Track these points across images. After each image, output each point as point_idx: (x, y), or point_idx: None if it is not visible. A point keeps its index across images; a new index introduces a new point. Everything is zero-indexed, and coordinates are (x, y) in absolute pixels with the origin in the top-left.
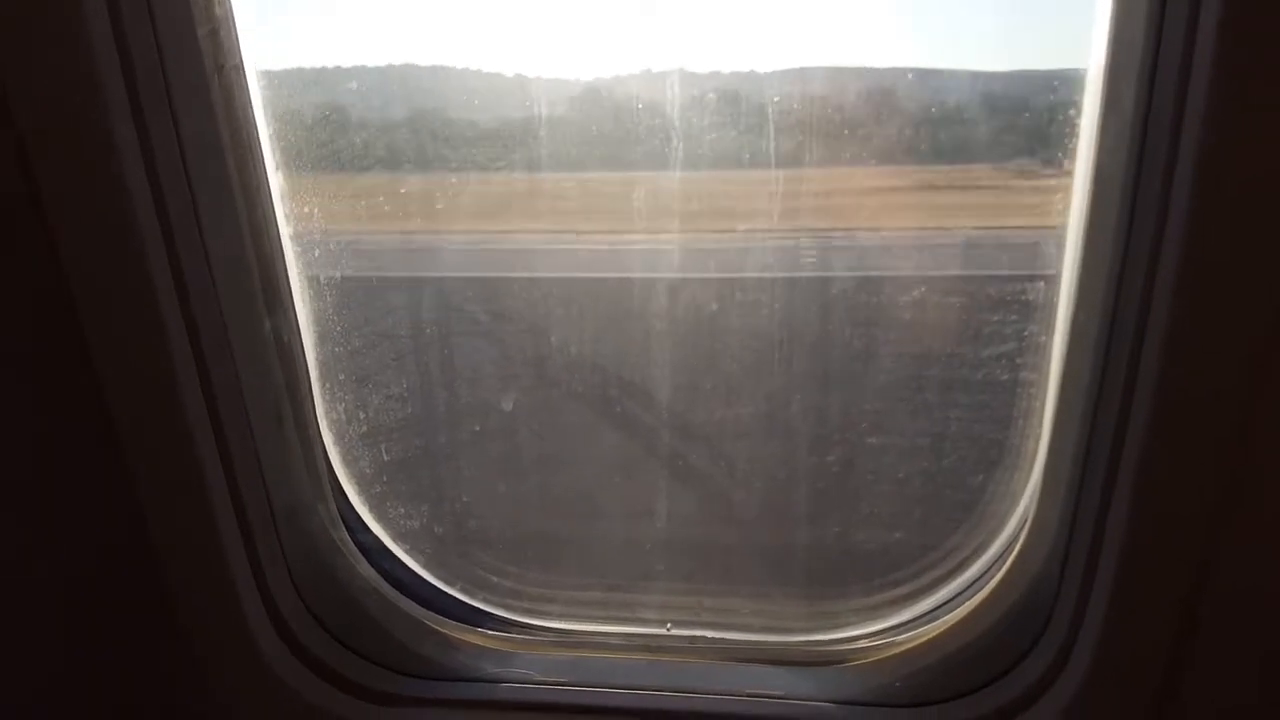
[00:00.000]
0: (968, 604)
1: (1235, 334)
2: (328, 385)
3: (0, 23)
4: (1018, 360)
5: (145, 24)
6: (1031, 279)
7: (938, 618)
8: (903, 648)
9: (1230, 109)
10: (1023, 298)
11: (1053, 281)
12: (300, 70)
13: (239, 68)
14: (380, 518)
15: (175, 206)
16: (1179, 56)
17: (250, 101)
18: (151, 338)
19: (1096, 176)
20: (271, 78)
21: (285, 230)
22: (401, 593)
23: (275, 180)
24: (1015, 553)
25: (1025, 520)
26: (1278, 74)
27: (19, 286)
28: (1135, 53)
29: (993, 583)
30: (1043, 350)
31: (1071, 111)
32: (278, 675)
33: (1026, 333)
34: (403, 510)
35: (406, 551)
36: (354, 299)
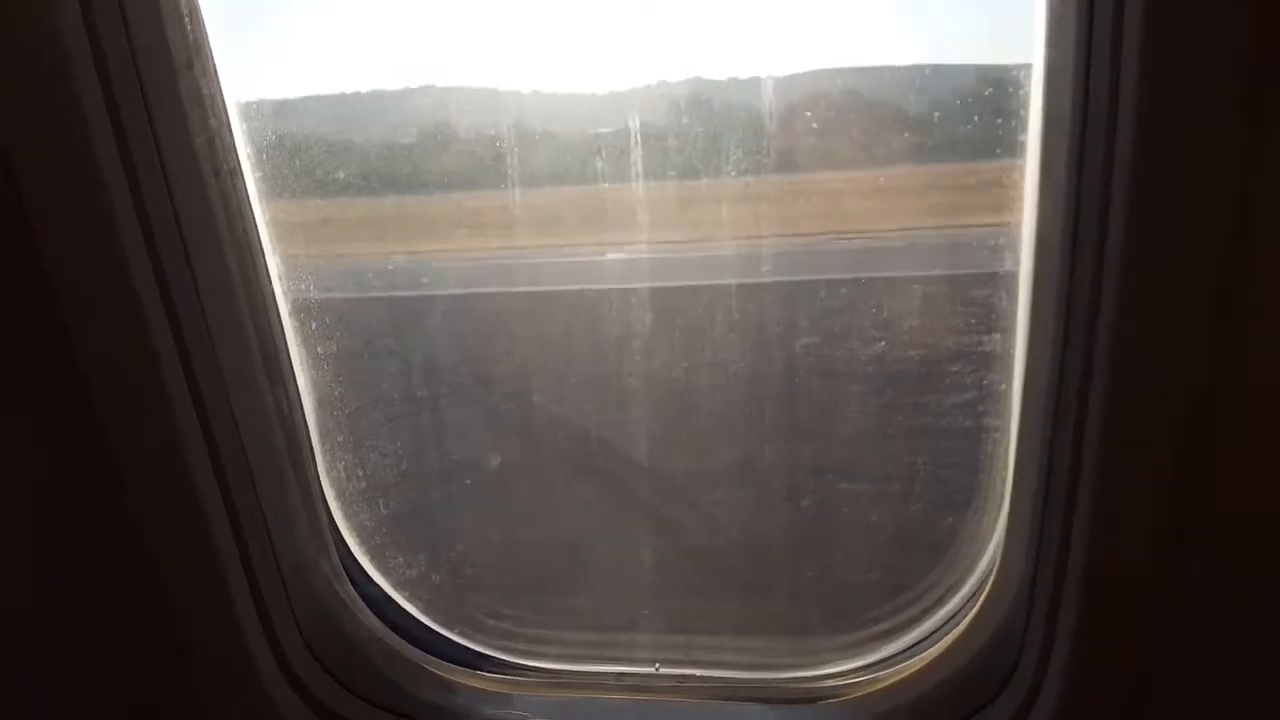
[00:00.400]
0: (942, 642)
1: (1182, 367)
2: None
3: (10, 126)
4: None
5: (145, 128)
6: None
7: (913, 655)
8: (880, 685)
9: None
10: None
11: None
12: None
13: (234, 170)
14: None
15: (180, 295)
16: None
17: (248, 199)
18: (159, 408)
19: (1039, 227)
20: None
21: (284, 305)
22: (403, 638)
23: (273, 262)
24: (985, 594)
25: (994, 561)
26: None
27: (30, 359)
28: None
29: (964, 621)
30: (1002, 397)
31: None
32: None
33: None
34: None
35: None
36: None
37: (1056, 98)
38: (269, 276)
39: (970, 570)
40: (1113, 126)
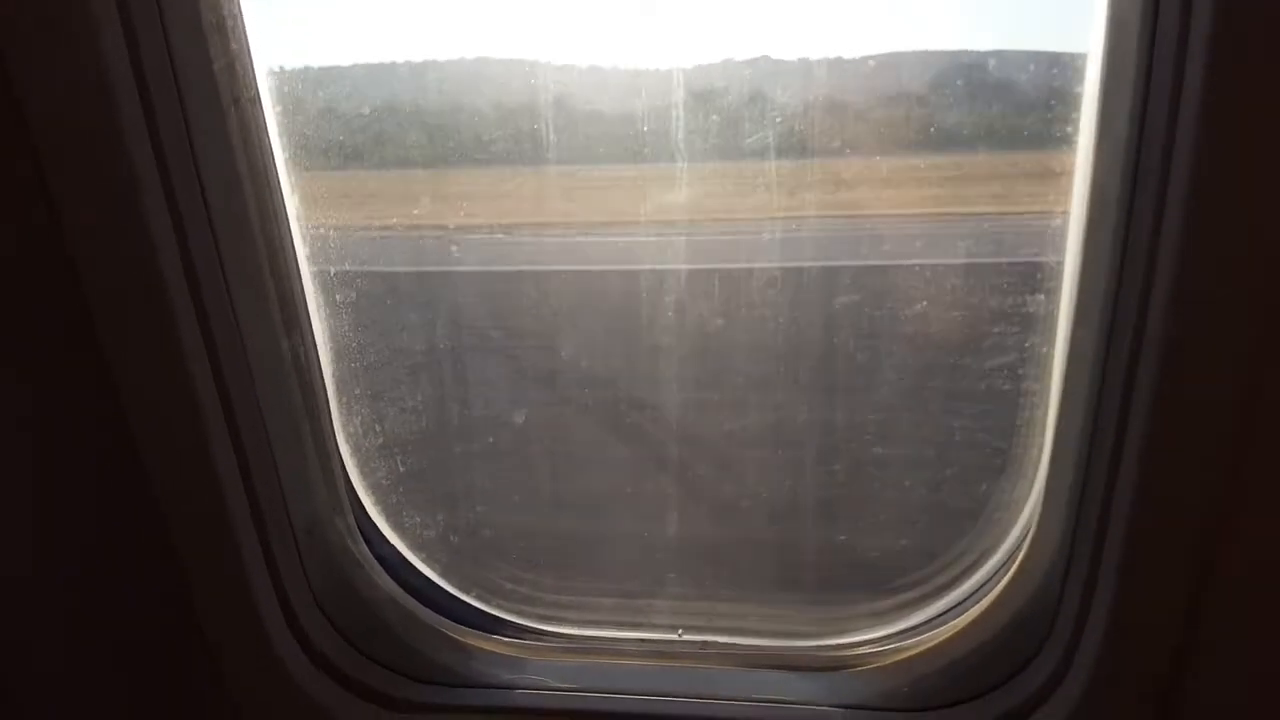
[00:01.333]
0: (972, 610)
1: (1232, 340)
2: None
3: (24, 56)
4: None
5: (164, 60)
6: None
7: (943, 623)
8: (909, 653)
9: (1226, 107)
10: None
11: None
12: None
13: (255, 100)
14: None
15: (194, 234)
16: (1173, 54)
17: (266, 131)
18: (171, 359)
19: (1094, 182)
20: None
21: (302, 251)
22: (419, 601)
23: (292, 203)
24: (1019, 560)
25: (1029, 527)
26: (1272, 70)
27: (43, 311)
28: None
29: (997, 589)
30: (1043, 361)
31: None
32: (298, 683)
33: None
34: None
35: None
36: None
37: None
38: (286, 215)
39: (1003, 537)
40: (1180, 66)
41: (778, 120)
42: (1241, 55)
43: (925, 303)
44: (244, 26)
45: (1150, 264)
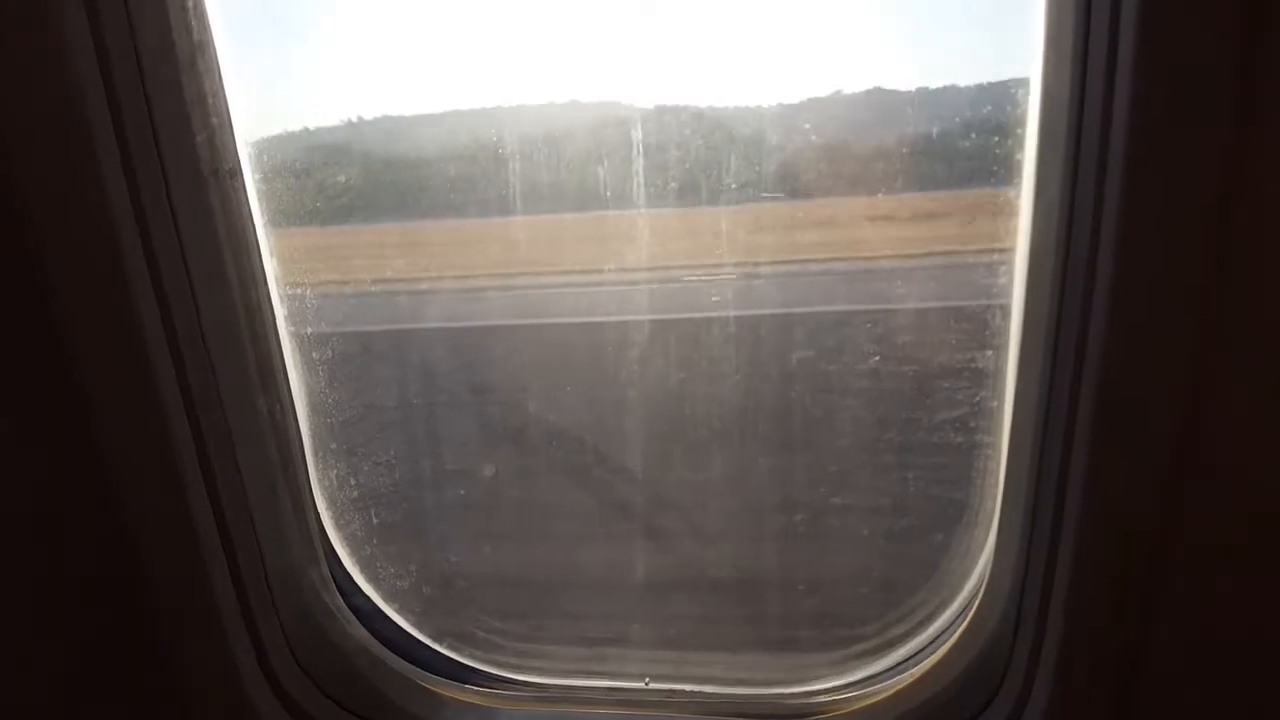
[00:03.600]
0: (930, 658)
1: (1166, 383)
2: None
3: (8, 122)
4: None
5: (147, 132)
6: None
7: (901, 671)
8: (868, 701)
9: (1146, 175)
10: None
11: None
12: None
13: (235, 171)
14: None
15: (175, 298)
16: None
17: (246, 200)
18: (152, 417)
19: (1032, 244)
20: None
21: (280, 312)
22: (392, 650)
23: (270, 265)
24: (974, 608)
25: (983, 578)
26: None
27: (25, 367)
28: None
29: (953, 638)
30: (994, 413)
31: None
32: None
33: None
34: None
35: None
36: None
37: (1052, 118)
38: (265, 279)
39: (960, 586)
40: (1105, 148)
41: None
42: (1159, 122)
43: None
44: (225, 101)
45: (1085, 315)
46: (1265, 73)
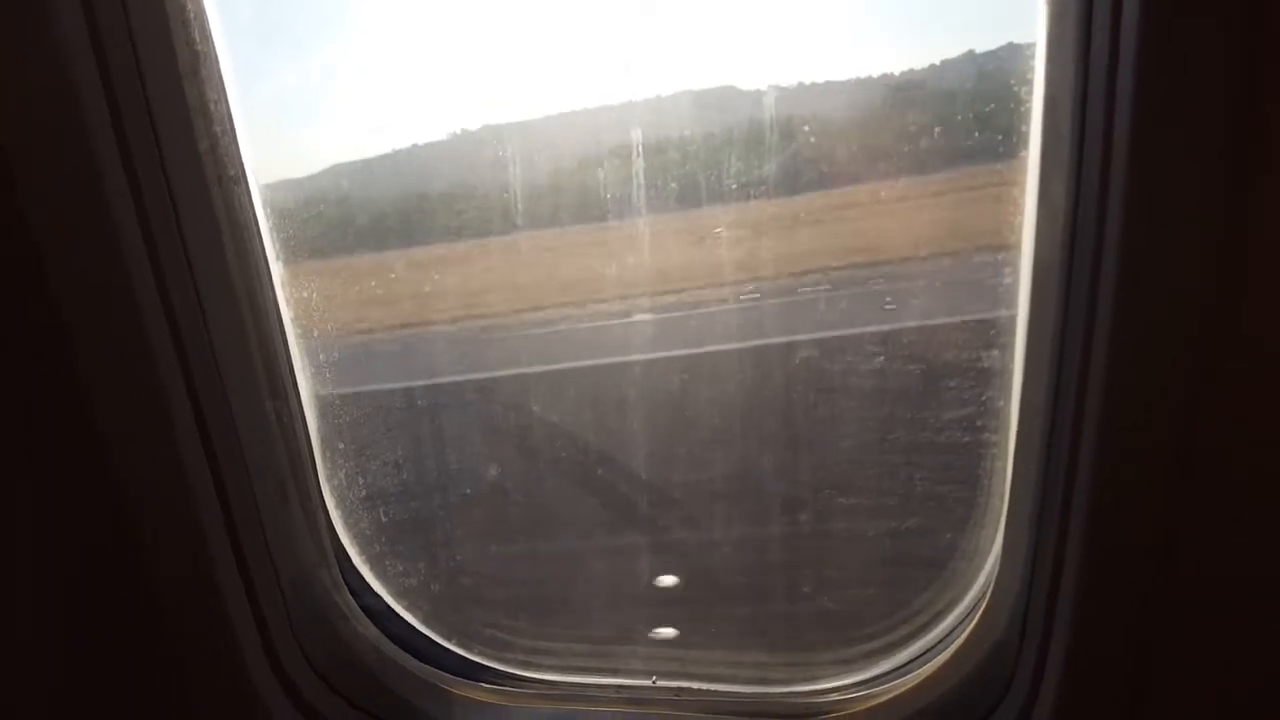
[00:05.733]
0: (938, 658)
1: (1175, 390)
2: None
3: (16, 140)
4: None
5: (149, 134)
6: None
7: (909, 671)
8: (876, 700)
9: (1150, 185)
10: None
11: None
12: None
13: (238, 177)
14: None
15: (180, 300)
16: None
17: (251, 206)
18: (160, 423)
19: (1037, 245)
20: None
21: (287, 314)
22: (402, 649)
23: (276, 270)
24: (982, 609)
25: (990, 580)
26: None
27: (33, 379)
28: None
29: (961, 638)
30: (1001, 414)
31: None
32: None
33: None
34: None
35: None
36: None
37: (1055, 119)
38: (271, 284)
39: (967, 587)
40: (1109, 146)
41: None
42: (1161, 121)
43: None
44: (228, 109)
45: (1090, 317)
46: (1266, 71)
